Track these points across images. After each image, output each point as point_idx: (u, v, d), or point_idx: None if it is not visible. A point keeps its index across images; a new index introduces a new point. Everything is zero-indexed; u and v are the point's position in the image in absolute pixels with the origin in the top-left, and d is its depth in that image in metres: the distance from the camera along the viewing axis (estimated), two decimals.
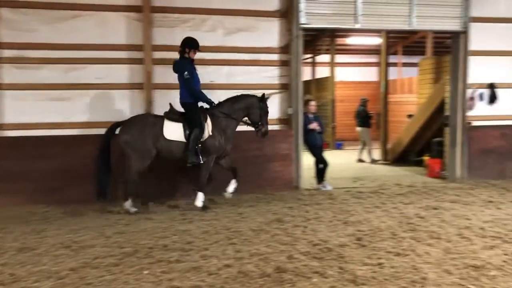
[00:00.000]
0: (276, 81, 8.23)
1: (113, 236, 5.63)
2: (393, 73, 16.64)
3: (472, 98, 9.02)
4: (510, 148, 9.16)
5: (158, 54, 7.72)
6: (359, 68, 19.26)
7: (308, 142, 8.52)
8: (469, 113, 8.98)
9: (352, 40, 16.26)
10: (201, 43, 7.53)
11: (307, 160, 8.71)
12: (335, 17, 8.20)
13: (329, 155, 12.47)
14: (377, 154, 12.62)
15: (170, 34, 7.74)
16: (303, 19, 7.99)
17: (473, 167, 8.98)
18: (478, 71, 8.93)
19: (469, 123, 8.97)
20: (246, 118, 7.24)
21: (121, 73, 7.68)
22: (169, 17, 7.77)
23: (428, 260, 4.67)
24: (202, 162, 6.81)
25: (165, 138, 6.74)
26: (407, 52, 17.02)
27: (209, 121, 6.94)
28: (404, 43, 16.26)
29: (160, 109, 7.59)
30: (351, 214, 6.52)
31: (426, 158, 10.44)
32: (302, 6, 7.96)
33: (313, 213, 6.63)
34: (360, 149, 12.65)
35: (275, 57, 8.20)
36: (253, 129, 7.25)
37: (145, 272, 4.45)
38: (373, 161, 12.22)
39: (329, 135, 15.56)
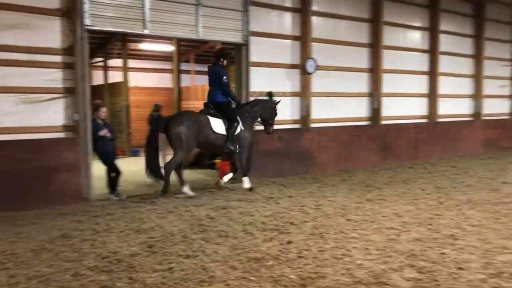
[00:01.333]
0: (59, 84, 7.57)
1: None
2: (187, 80, 17.16)
3: None
4: (286, 150, 10.35)
5: None
6: (154, 74, 19.27)
7: (99, 150, 8.08)
8: None
9: (145, 46, 16.16)
10: None
11: (99, 169, 8.27)
12: (123, 21, 7.98)
13: (125, 163, 12.15)
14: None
15: None
16: (87, 21, 7.54)
17: (258, 167, 9.80)
18: (259, 80, 9.85)
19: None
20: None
21: None
22: None
23: (216, 259, 4.89)
24: (238, 151, 8.34)
25: (213, 131, 8.09)
26: (199, 60, 17.72)
27: (239, 118, 8.41)
28: (196, 51, 16.89)
29: None
30: (144, 222, 6.42)
31: (217, 161, 11.02)
32: (87, 6, 7.51)
33: (104, 225, 6.29)
34: None
35: (57, 58, 7.53)
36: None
37: None
38: None
39: (125, 142, 15.14)
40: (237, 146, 8.33)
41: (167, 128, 7.90)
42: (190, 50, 16.87)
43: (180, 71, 13.18)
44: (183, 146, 7.88)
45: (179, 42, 13.82)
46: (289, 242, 5.44)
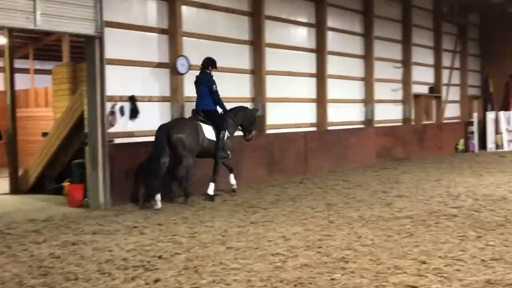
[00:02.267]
0: None
1: None
2: (26, 82, 16.11)
3: (113, 113, 9.64)
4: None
5: None
6: None
7: None
8: (111, 129, 9.54)
9: None
10: None
11: None
12: None
13: None
14: (5, 182, 11.91)
15: None
16: None
17: (117, 191, 9.53)
18: (118, 81, 9.65)
19: (111, 140, 9.51)
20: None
21: None
22: None
23: None
24: (230, 156, 10.25)
25: (207, 137, 9.73)
26: (41, 56, 16.80)
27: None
28: (36, 45, 15.95)
29: None
30: None
31: (66, 184, 10.49)
32: None
33: None
34: None
35: None
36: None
37: None
38: None
39: None
40: (228, 152, 10.10)
41: (167, 136, 9.30)
42: (28, 44, 15.88)
43: (14, 70, 12.29)
44: (188, 152, 9.42)
45: (12, 33, 12.91)
46: (157, 281, 5.36)
